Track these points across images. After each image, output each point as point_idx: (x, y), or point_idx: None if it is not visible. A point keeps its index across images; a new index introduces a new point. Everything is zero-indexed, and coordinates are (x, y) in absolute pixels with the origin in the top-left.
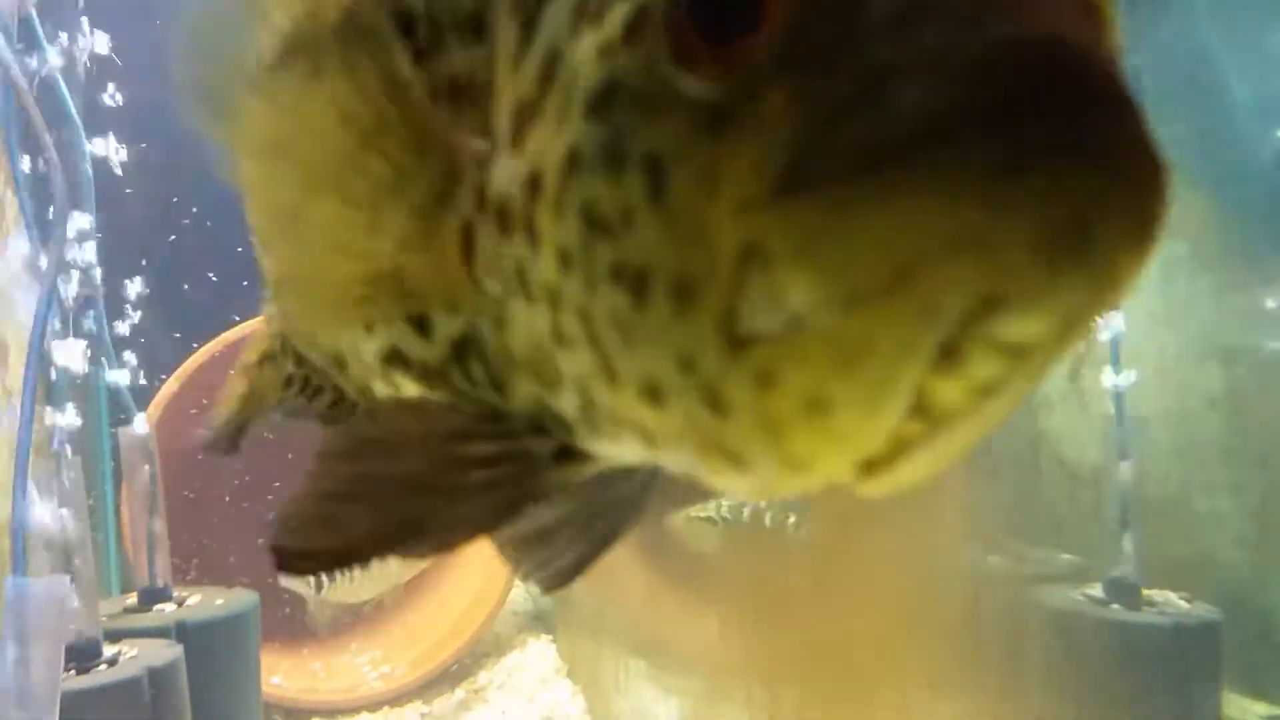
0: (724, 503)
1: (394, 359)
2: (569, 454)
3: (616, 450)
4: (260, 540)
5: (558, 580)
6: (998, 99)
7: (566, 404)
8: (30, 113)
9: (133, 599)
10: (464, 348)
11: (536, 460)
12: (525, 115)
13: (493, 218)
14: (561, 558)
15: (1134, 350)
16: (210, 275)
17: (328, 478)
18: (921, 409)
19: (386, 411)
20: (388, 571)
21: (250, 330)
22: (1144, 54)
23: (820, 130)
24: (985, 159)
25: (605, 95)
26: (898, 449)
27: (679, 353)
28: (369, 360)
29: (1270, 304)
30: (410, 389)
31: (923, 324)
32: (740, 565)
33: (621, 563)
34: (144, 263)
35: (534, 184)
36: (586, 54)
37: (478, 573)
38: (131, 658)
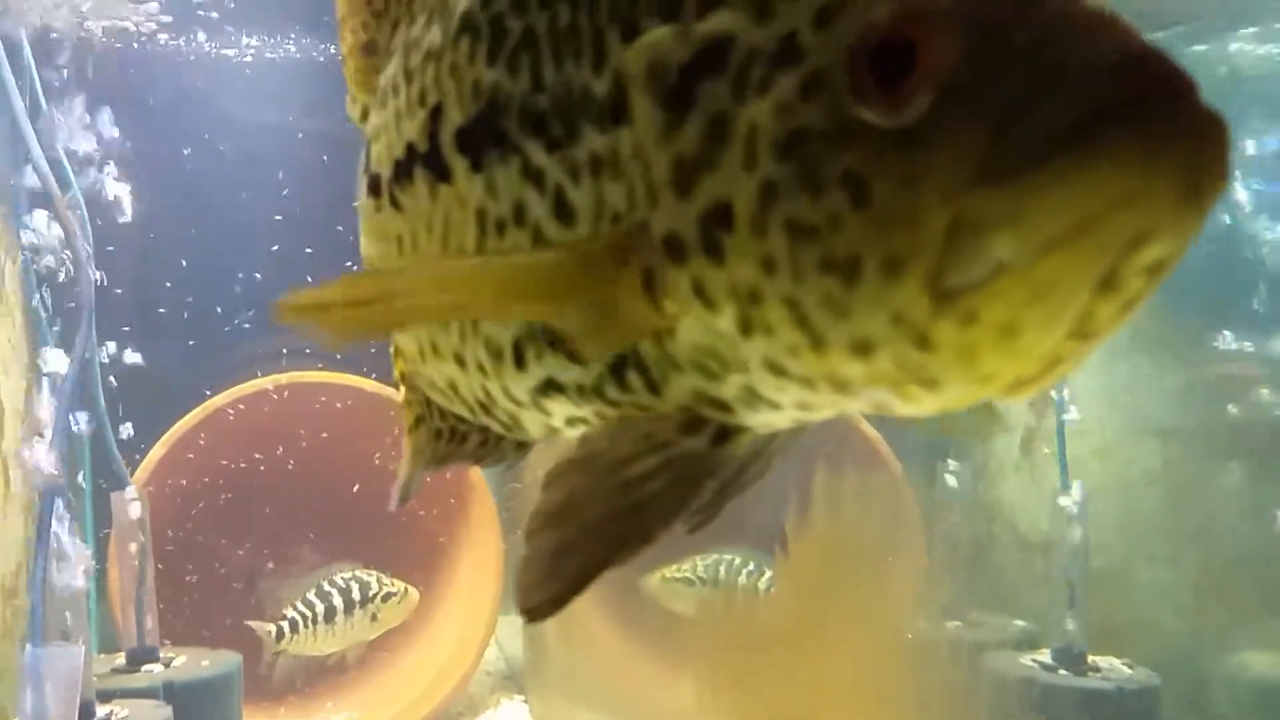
0: (700, 562)
1: (548, 388)
2: (724, 434)
3: (774, 419)
4: (240, 587)
5: (701, 518)
6: (1133, 95)
7: (729, 390)
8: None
9: (121, 659)
10: (621, 364)
11: (694, 454)
12: (692, 170)
13: (662, 252)
14: (703, 499)
15: (1080, 428)
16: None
17: (538, 545)
18: (1079, 329)
19: (557, 478)
20: (350, 629)
21: (227, 398)
22: None
23: (1002, 130)
24: (1135, 137)
25: (792, 140)
26: (1049, 365)
27: (891, 312)
28: (520, 396)
29: (1203, 385)
30: (560, 410)
31: (1097, 258)
32: (714, 627)
33: (595, 623)
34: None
35: (719, 217)
36: (763, 115)
37: (454, 632)
38: (124, 719)
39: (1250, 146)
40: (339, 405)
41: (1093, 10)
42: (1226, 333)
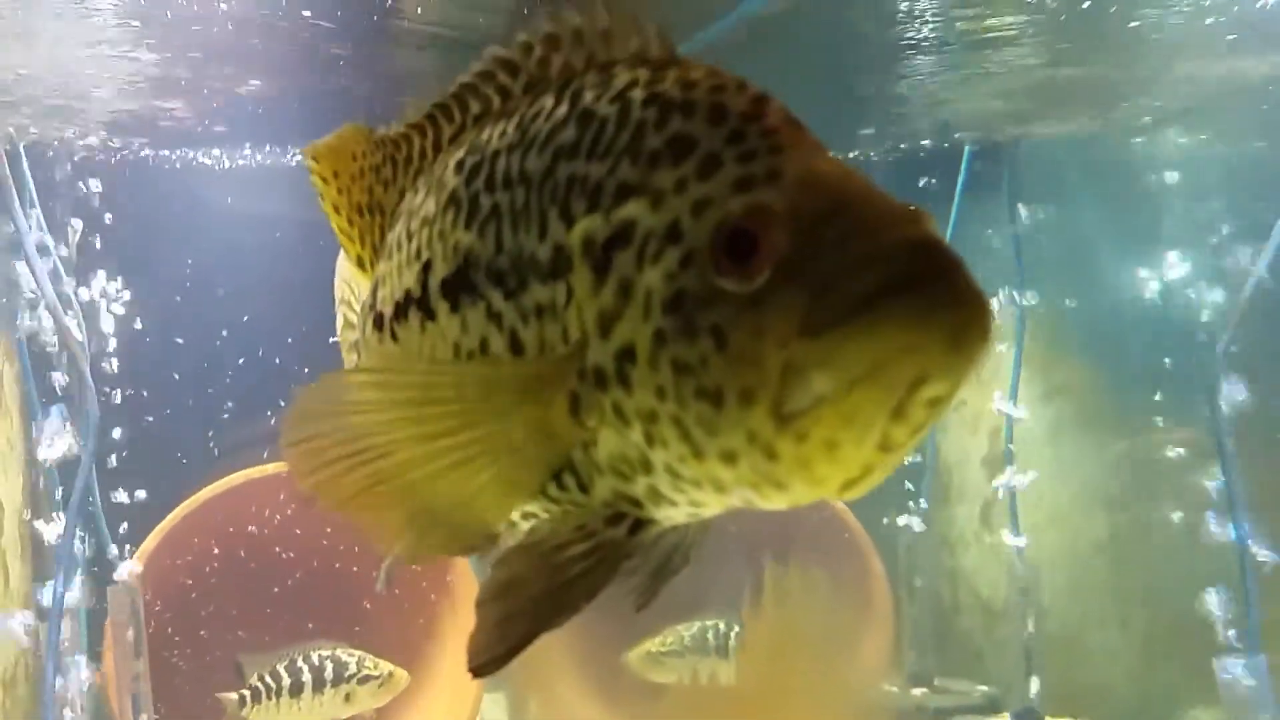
0: (684, 633)
1: (505, 492)
2: (638, 526)
3: (673, 514)
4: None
5: (643, 599)
6: (913, 274)
7: (639, 489)
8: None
9: None
10: (559, 470)
11: (615, 541)
12: (609, 319)
13: (591, 380)
14: (641, 585)
15: (1033, 500)
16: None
17: (486, 614)
18: (883, 445)
19: (505, 560)
20: (319, 706)
21: (216, 489)
22: (1034, 241)
23: (818, 298)
24: (911, 305)
25: (675, 299)
26: (868, 468)
27: (747, 431)
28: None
29: (1142, 457)
30: (514, 513)
31: (888, 394)
32: (690, 701)
33: (577, 700)
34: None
35: (626, 356)
36: (655, 279)
37: (442, 708)
38: None
39: (1176, 225)
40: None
41: (890, 207)
42: (1162, 406)
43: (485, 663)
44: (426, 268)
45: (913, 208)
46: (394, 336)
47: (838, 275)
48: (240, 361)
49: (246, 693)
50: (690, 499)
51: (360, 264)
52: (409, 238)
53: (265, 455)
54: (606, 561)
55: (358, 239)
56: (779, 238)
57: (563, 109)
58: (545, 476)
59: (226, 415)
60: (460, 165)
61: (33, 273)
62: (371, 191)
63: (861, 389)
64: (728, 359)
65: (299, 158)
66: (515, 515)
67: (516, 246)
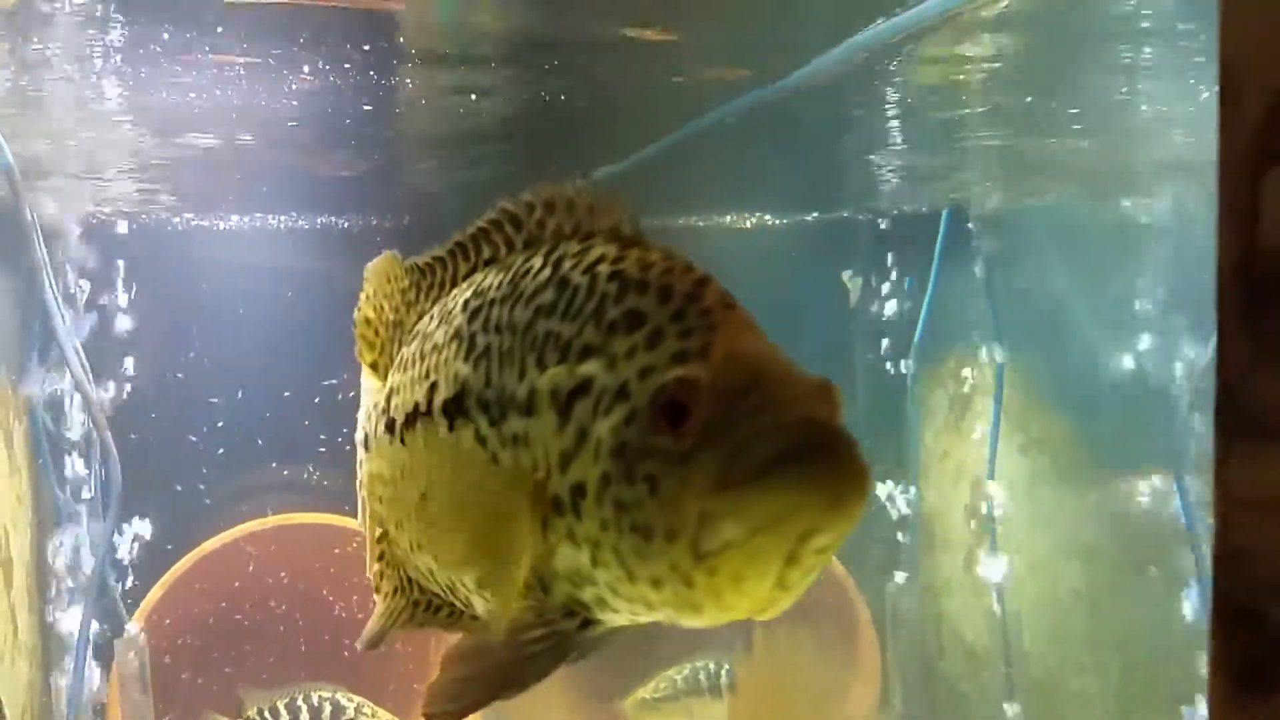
0: (677, 676)
1: (484, 584)
2: (587, 623)
3: (615, 619)
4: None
5: (576, 658)
6: (807, 445)
7: (587, 596)
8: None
9: None
10: (530, 575)
11: (567, 632)
12: (567, 457)
13: (551, 506)
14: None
15: (1011, 548)
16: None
17: (450, 671)
18: (779, 583)
19: (476, 631)
20: None
21: (219, 541)
22: (1011, 300)
23: (730, 461)
24: (802, 473)
25: (619, 448)
26: (770, 601)
27: (669, 563)
28: (471, 586)
29: (1119, 511)
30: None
31: (782, 543)
32: None
33: None
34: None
35: (579, 490)
36: (605, 429)
37: None
38: None
39: (1150, 284)
40: (328, 543)
41: (798, 384)
42: (1137, 458)
43: (438, 714)
44: (433, 388)
45: (819, 382)
46: (402, 442)
47: (747, 443)
48: (236, 411)
49: None
50: (628, 610)
51: (373, 367)
52: (421, 358)
53: (269, 506)
54: (559, 648)
55: (377, 347)
56: (705, 407)
57: (546, 272)
58: (525, 574)
59: (227, 464)
60: (466, 305)
61: (56, 331)
62: (397, 310)
63: (761, 537)
64: (658, 503)
65: (296, 222)
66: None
67: (501, 383)
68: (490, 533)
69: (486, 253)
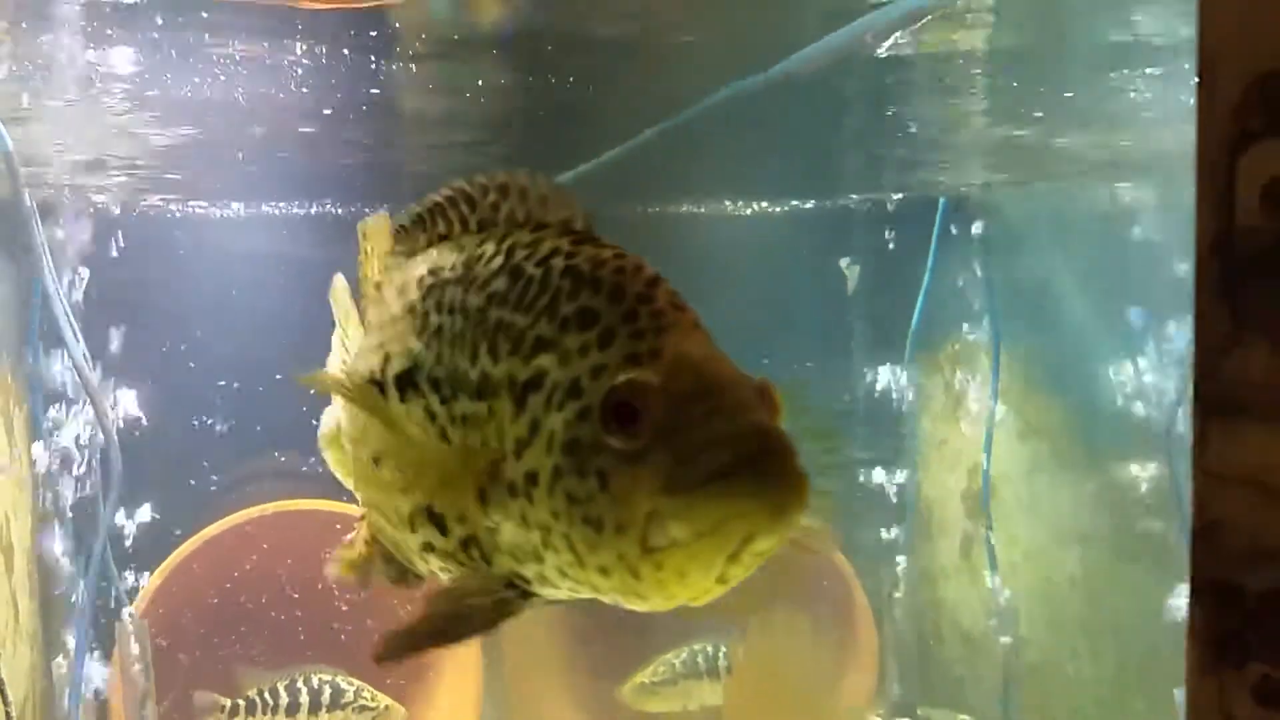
0: (675, 661)
1: (427, 548)
2: (527, 594)
3: (555, 594)
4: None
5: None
6: (748, 454)
7: (530, 572)
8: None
9: None
10: (468, 542)
11: (507, 600)
12: (522, 445)
13: (504, 488)
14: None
15: (1008, 536)
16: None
17: (405, 624)
18: (720, 579)
19: (433, 593)
20: None
21: (219, 527)
22: (1008, 287)
23: (679, 464)
24: (748, 483)
25: (571, 443)
26: (709, 592)
27: (617, 554)
28: (414, 548)
29: (1115, 497)
30: (435, 564)
31: (725, 545)
32: None
33: None
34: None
35: (532, 478)
36: (558, 423)
37: None
38: None
39: (1145, 270)
40: (329, 530)
41: (743, 390)
42: (1133, 445)
43: (389, 653)
44: (386, 359)
45: (761, 384)
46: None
47: (696, 449)
48: (239, 397)
49: (241, 702)
50: (571, 589)
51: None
52: (379, 328)
53: (269, 493)
54: (499, 613)
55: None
56: (655, 410)
57: (499, 260)
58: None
59: (227, 451)
60: (420, 281)
61: (61, 319)
62: (383, 271)
63: (705, 539)
64: (609, 498)
65: (295, 209)
66: (435, 567)
67: (452, 364)
68: (434, 502)
69: (441, 227)
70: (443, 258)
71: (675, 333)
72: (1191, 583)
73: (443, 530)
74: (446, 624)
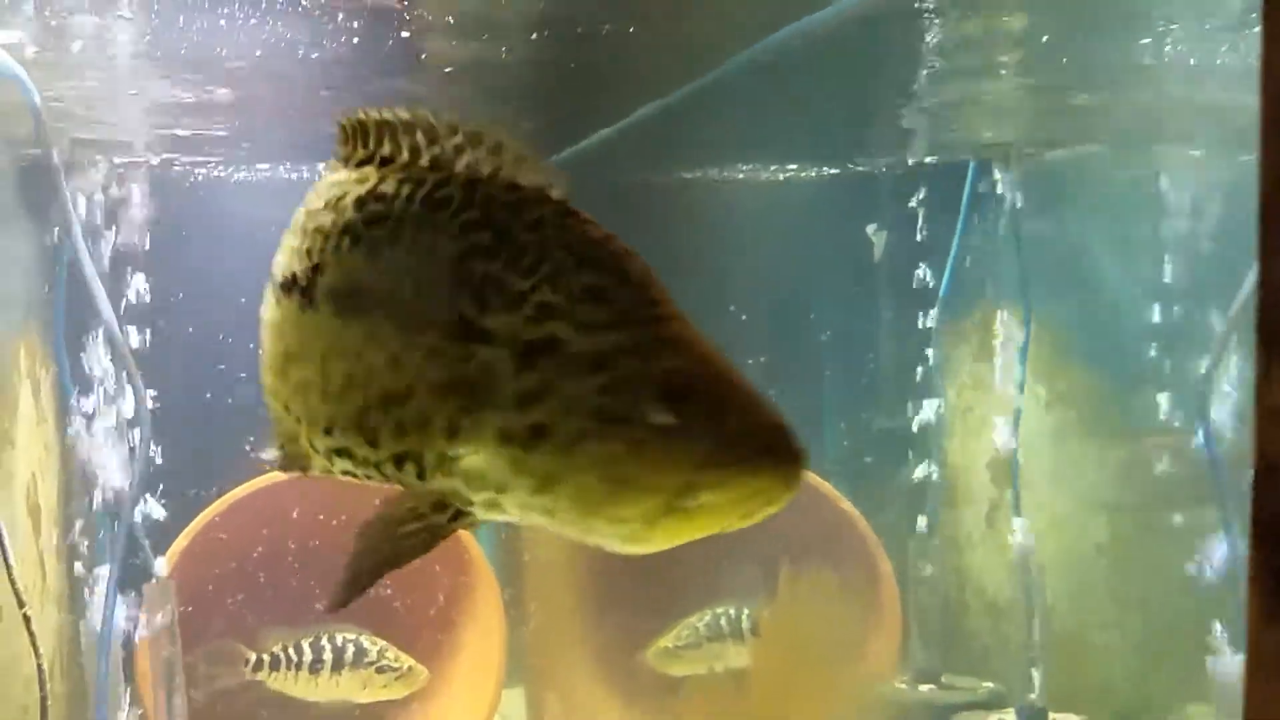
0: (698, 624)
1: (341, 453)
2: (458, 515)
3: (496, 517)
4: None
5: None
6: (771, 443)
7: (479, 499)
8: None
9: None
10: (403, 458)
11: (437, 525)
12: (527, 399)
13: (491, 430)
14: None
15: (1034, 503)
16: None
17: (351, 563)
18: (726, 528)
19: (362, 528)
20: (335, 687)
21: (246, 489)
22: (1037, 252)
23: (714, 445)
24: (773, 464)
25: (603, 410)
26: (709, 534)
27: (642, 511)
28: (320, 448)
29: (1144, 465)
30: (342, 467)
31: (742, 508)
32: (707, 700)
33: (595, 696)
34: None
35: (538, 430)
36: (583, 390)
37: (461, 704)
38: None
39: (1177, 235)
40: (348, 492)
41: (752, 387)
42: (1163, 412)
43: (337, 602)
44: (315, 269)
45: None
46: (276, 303)
47: (732, 435)
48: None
49: (266, 657)
50: (523, 517)
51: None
52: (304, 233)
53: None
54: (430, 537)
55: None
56: (700, 394)
57: (474, 212)
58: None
59: (254, 413)
60: (361, 203)
61: (91, 280)
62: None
63: (731, 504)
64: (642, 464)
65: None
66: (337, 471)
67: (416, 302)
68: (369, 416)
69: (386, 149)
70: (389, 186)
71: (684, 323)
72: (1252, 527)
73: (373, 443)
74: (384, 558)
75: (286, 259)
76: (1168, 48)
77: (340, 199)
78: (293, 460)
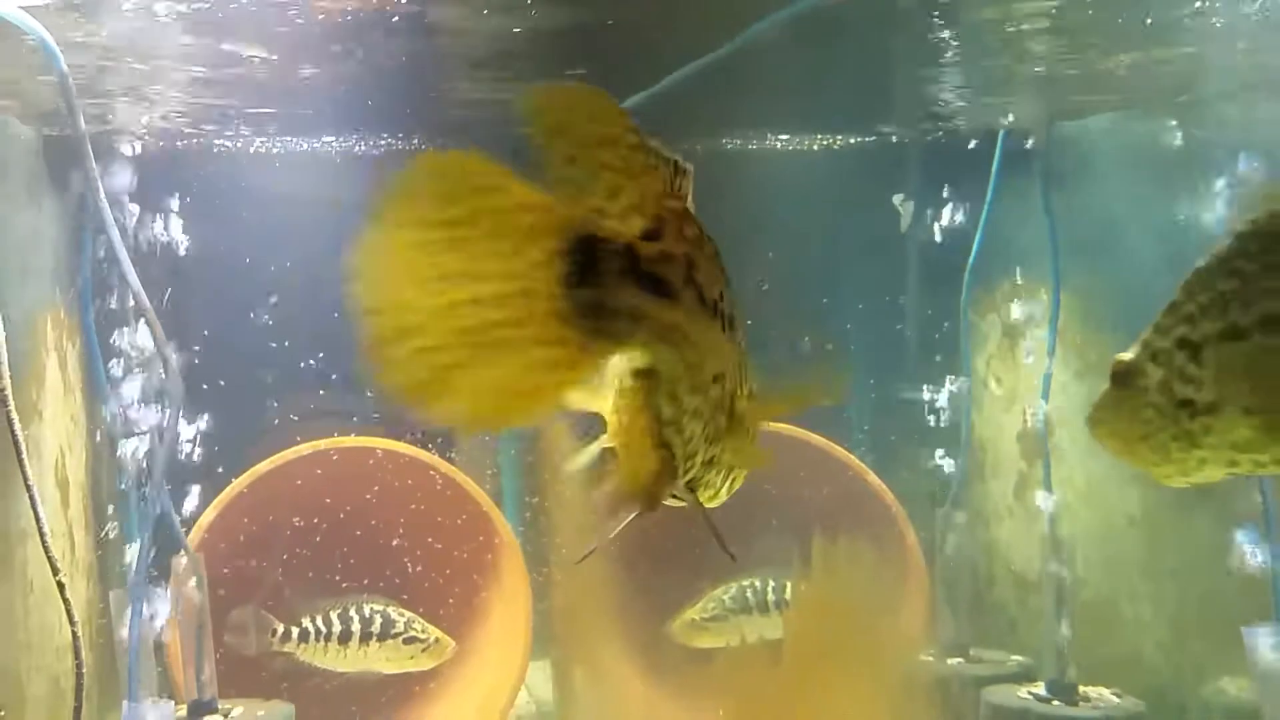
0: (724, 596)
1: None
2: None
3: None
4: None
5: None
6: None
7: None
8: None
9: (182, 711)
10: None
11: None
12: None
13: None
14: None
15: (1065, 474)
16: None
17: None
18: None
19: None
20: (362, 658)
21: (273, 463)
22: (1067, 222)
23: None
24: None
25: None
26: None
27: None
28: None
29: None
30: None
31: None
32: (734, 672)
33: (622, 668)
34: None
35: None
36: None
37: (488, 677)
38: None
39: (1210, 205)
40: (376, 466)
41: None
42: None
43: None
44: None
45: None
46: None
47: None
48: (290, 337)
49: (295, 628)
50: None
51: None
52: None
53: (324, 430)
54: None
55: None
56: None
57: None
58: None
59: (281, 388)
60: None
61: (120, 253)
62: (628, 160)
63: None
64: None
65: (376, 147)
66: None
67: None
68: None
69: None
70: None
71: None
72: None
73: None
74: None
75: None
76: (1207, 13)
77: None
78: (653, 499)
